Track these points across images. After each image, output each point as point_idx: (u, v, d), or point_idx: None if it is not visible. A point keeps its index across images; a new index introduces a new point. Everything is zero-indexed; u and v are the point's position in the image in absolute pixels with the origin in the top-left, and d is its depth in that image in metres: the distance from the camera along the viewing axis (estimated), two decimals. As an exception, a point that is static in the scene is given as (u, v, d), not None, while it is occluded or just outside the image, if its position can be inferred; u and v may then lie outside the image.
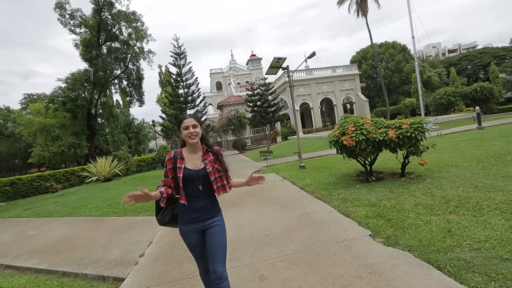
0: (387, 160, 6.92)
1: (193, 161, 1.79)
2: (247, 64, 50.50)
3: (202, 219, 1.77)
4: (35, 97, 34.10)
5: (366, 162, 5.50)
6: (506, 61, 36.58)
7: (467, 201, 3.45)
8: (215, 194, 1.84)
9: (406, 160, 5.17)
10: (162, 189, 1.77)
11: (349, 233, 3.10)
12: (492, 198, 3.43)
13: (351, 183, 5.36)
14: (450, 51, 67.12)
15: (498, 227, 2.67)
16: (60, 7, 20.08)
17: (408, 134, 4.63)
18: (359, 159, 5.41)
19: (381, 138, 4.84)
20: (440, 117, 19.38)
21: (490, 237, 2.50)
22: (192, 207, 1.75)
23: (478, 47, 53.88)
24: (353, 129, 4.93)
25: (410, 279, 2.12)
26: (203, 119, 26.35)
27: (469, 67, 40.37)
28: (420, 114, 19.04)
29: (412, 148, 4.82)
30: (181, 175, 1.72)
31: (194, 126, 1.76)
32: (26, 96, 34.72)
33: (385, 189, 4.58)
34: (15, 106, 40.90)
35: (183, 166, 1.75)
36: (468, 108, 22.18)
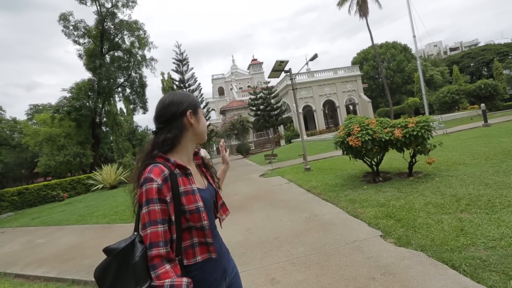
0: (393, 160, 6.86)
1: (195, 175, 1.05)
2: (248, 68, 50.80)
3: (229, 268, 1.08)
4: (40, 107, 34.61)
5: (373, 162, 5.45)
6: (509, 57, 36.31)
7: (478, 199, 3.40)
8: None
9: (413, 159, 5.11)
10: (180, 280, 0.82)
11: (359, 234, 3.06)
12: (504, 195, 3.37)
13: (358, 184, 5.31)
14: (451, 49, 66.82)
15: (513, 224, 2.61)
16: (64, 19, 20.48)
17: (415, 133, 4.58)
18: (365, 159, 5.37)
19: (387, 138, 4.80)
20: (444, 115, 19.22)
21: (505, 235, 2.45)
22: (220, 259, 1.01)
23: (480, 44, 53.56)
24: (359, 129, 4.90)
25: (425, 279, 2.07)
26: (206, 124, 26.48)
27: (471, 64, 40.11)
28: (424, 113, 18.90)
29: (419, 147, 4.77)
30: (201, 204, 0.93)
31: None
32: (32, 106, 35.27)
33: (393, 189, 4.53)
34: (21, 117, 41.56)
35: (195, 187, 0.95)
36: (472, 106, 21.99)
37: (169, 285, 0.80)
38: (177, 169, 0.94)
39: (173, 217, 0.88)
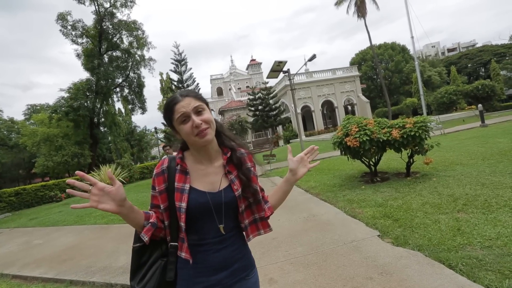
0: (391, 160, 6.88)
1: (207, 176, 0.98)
2: (247, 69, 50.80)
3: (227, 284, 0.95)
4: (38, 107, 34.42)
5: (371, 162, 5.47)
6: (507, 58, 36.55)
7: (475, 199, 3.42)
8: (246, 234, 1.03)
9: (411, 160, 5.14)
10: (151, 212, 0.95)
11: (357, 234, 3.08)
12: (500, 195, 3.39)
13: (356, 184, 5.33)
14: (449, 50, 67.09)
15: (509, 224, 2.63)
16: (62, 18, 20.38)
17: (412, 133, 4.60)
18: (363, 159, 5.39)
19: (385, 138, 4.82)
20: (442, 116, 19.32)
21: (501, 235, 2.47)
22: (205, 265, 0.93)
23: (477, 45, 53.86)
24: (357, 129, 4.92)
25: (422, 278, 2.09)
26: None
27: (469, 65, 40.34)
28: (422, 114, 18.98)
29: (417, 147, 4.79)
30: (184, 205, 0.90)
31: (197, 111, 0.93)
32: (29, 106, 35.06)
33: (391, 189, 4.55)
34: (18, 117, 41.37)
35: (187, 187, 0.93)
36: (470, 106, 22.11)
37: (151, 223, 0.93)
38: (178, 164, 0.98)
39: (162, 206, 0.95)
